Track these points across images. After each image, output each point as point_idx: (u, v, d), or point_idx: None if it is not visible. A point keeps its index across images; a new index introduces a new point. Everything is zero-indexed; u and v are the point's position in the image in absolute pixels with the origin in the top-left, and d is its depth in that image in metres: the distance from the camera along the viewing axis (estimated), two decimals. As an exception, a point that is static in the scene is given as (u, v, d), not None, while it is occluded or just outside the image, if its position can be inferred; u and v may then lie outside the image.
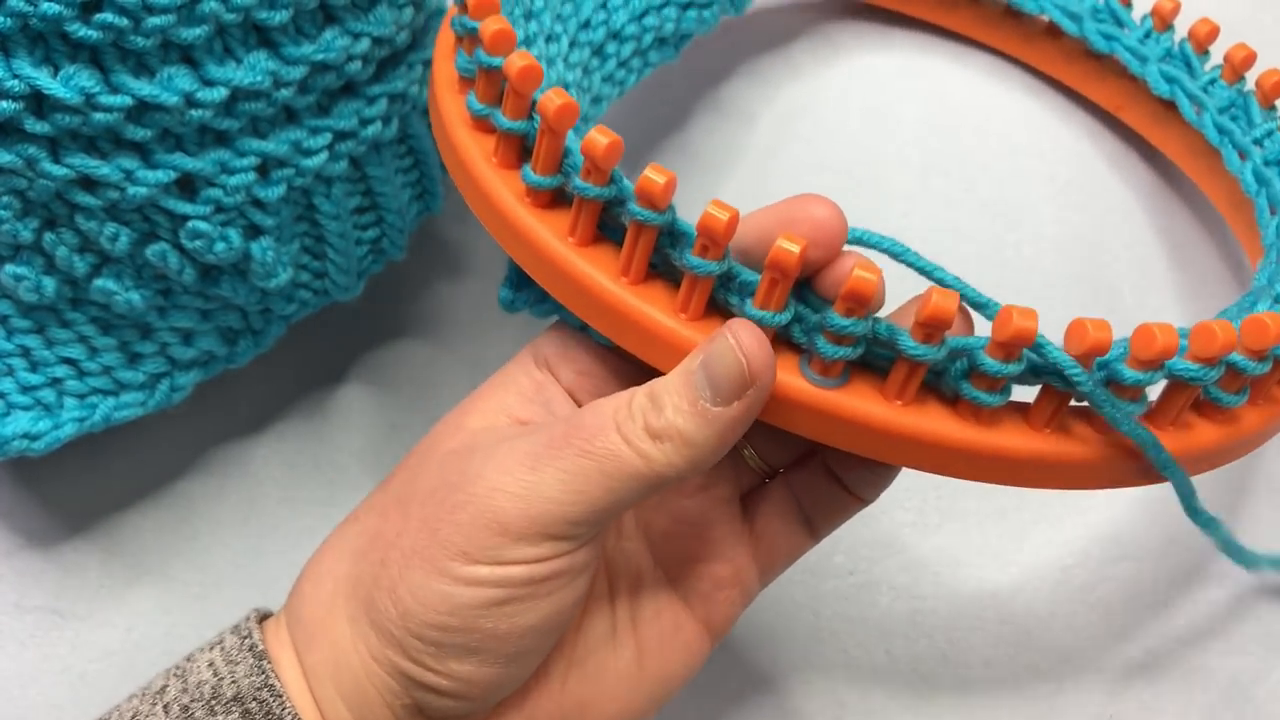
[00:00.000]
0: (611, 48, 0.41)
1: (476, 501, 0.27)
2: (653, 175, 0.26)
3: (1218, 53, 0.47)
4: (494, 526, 0.27)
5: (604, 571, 0.32)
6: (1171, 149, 0.48)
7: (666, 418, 0.26)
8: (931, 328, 0.25)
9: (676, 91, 0.50)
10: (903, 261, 0.30)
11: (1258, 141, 0.44)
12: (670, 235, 0.27)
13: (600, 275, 0.28)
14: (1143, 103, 0.49)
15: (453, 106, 0.32)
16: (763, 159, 0.50)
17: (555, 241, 0.28)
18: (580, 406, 0.30)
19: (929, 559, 0.43)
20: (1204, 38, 0.47)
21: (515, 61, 0.28)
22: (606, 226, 0.29)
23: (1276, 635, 0.42)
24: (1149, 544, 0.43)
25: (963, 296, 0.29)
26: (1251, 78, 0.46)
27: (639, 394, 0.27)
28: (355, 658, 0.28)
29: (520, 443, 0.27)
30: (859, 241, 0.30)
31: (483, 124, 0.31)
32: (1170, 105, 0.47)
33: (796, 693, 0.41)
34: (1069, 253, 0.48)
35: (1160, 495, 0.44)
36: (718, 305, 0.28)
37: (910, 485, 0.44)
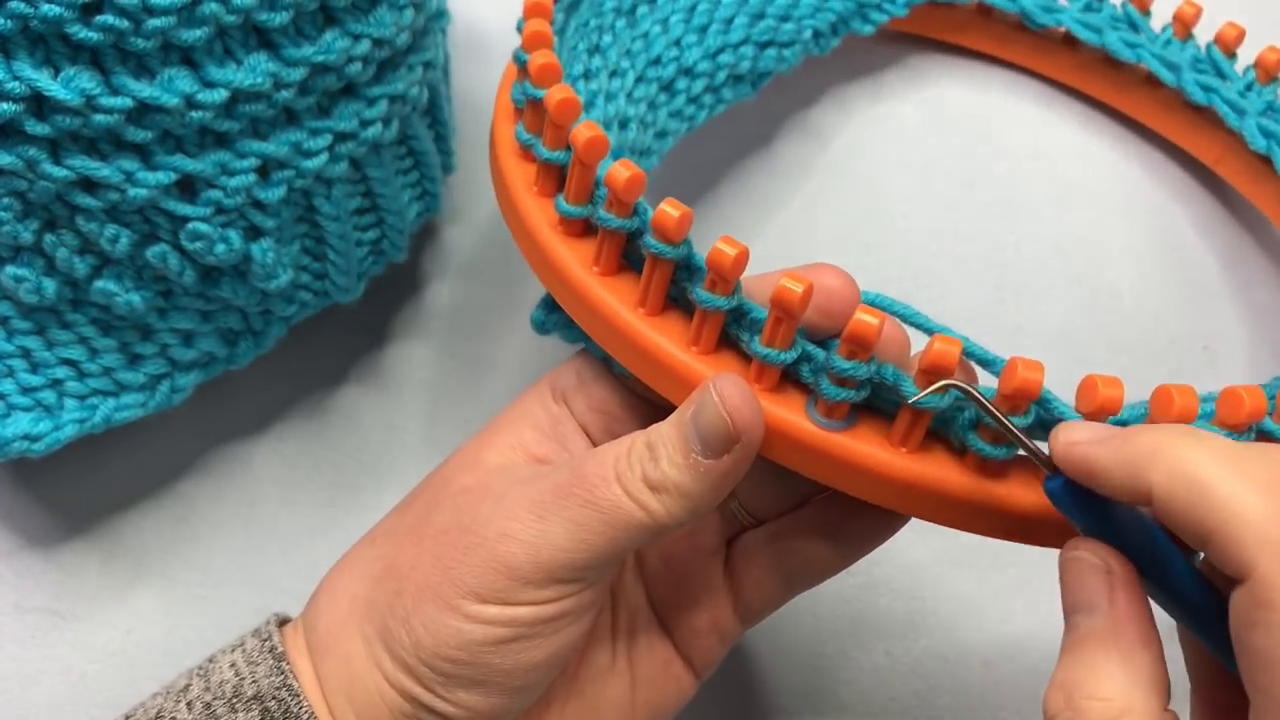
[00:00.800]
0: (682, 84, 0.41)
1: (487, 546, 0.28)
2: (669, 210, 0.26)
3: None
4: (504, 570, 0.28)
5: (609, 604, 0.33)
6: (1268, 206, 0.46)
7: (662, 470, 0.27)
8: (934, 375, 0.25)
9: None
10: (913, 324, 0.30)
11: None
12: (687, 269, 0.27)
13: (618, 304, 0.28)
14: (1241, 156, 0.47)
15: (505, 135, 0.33)
16: (759, 161, 0.50)
17: (579, 269, 0.29)
18: (594, 441, 0.31)
19: (927, 561, 0.43)
20: None
21: (554, 94, 0.29)
22: (633, 258, 0.29)
23: (1275, 636, 0.42)
24: (1148, 544, 0.43)
25: (970, 354, 0.29)
26: None
27: (637, 442, 0.28)
28: (369, 676, 0.29)
29: (529, 490, 0.28)
30: (870, 305, 0.30)
31: (528, 153, 0.32)
32: (1268, 160, 0.46)
33: (796, 693, 0.41)
34: (1069, 253, 0.48)
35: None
36: (730, 340, 0.28)
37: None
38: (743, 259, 0.26)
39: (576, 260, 0.29)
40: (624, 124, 0.38)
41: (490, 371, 0.45)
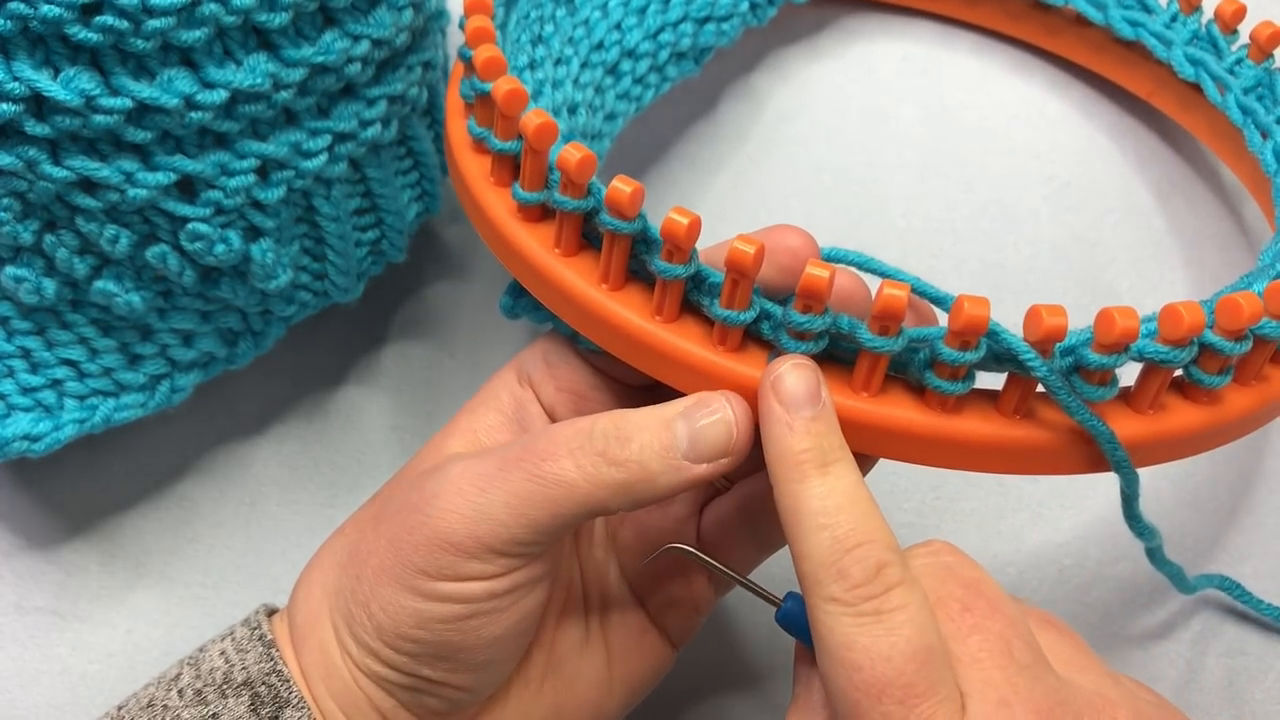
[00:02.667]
0: (626, 66, 0.42)
1: (431, 523, 0.28)
2: (620, 186, 0.27)
3: (1247, 33, 0.46)
4: (446, 546, 0.28)
5: (578, 579, 0.33)
6: (1201, 133, 0.48)
7: (632, 453, 0.27)
8: (886, 319, 0.26)
9: (689, 82, 0.50)
10: (869, 270, 0.31)
11: None
12: (644, 242, 0.28)
13: (581, 282, 0.29)
14: (1172, 88, 0.49)
15: (457, 130, 0.34)
16: (760, 158, 0.50)
17: (541, 252, 0.30)
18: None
19: (927, 559, 0.43)
20: (1230, 18, 0.46)
21: (501, 86, 0.30)
22: (592, 237, 0.30)
23: (1273, 636, 0.42)
24: (1147, 544, 0.43)
25: (923, 294, 0.30)
26: (1279, 56, 0.45)
27: (601, 421, 0.28)
28: (342, 662, 0.30)
29: (476, 463, 0.29)
30: (830, 259, 0.32)
31: (481, 146, 0.33)
32: (1198, 88, 0.47)
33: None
34: (1067, 253, 0.48)
35: (1156, 495, 0.44)
36: (691, 306, 0.29)
37: (908, 486, 0.44)
38: (696, 227, 0.27)
39: (538, 244, 0.30)
40: (573, 110, 0.38)
41: (490, 371, 0.45)
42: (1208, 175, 0.51)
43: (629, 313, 0.29)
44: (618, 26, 0.42)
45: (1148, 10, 0.49)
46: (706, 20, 0.44)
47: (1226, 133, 0.46)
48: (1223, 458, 0.45)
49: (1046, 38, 0.52)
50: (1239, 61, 0.46)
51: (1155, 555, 0.34)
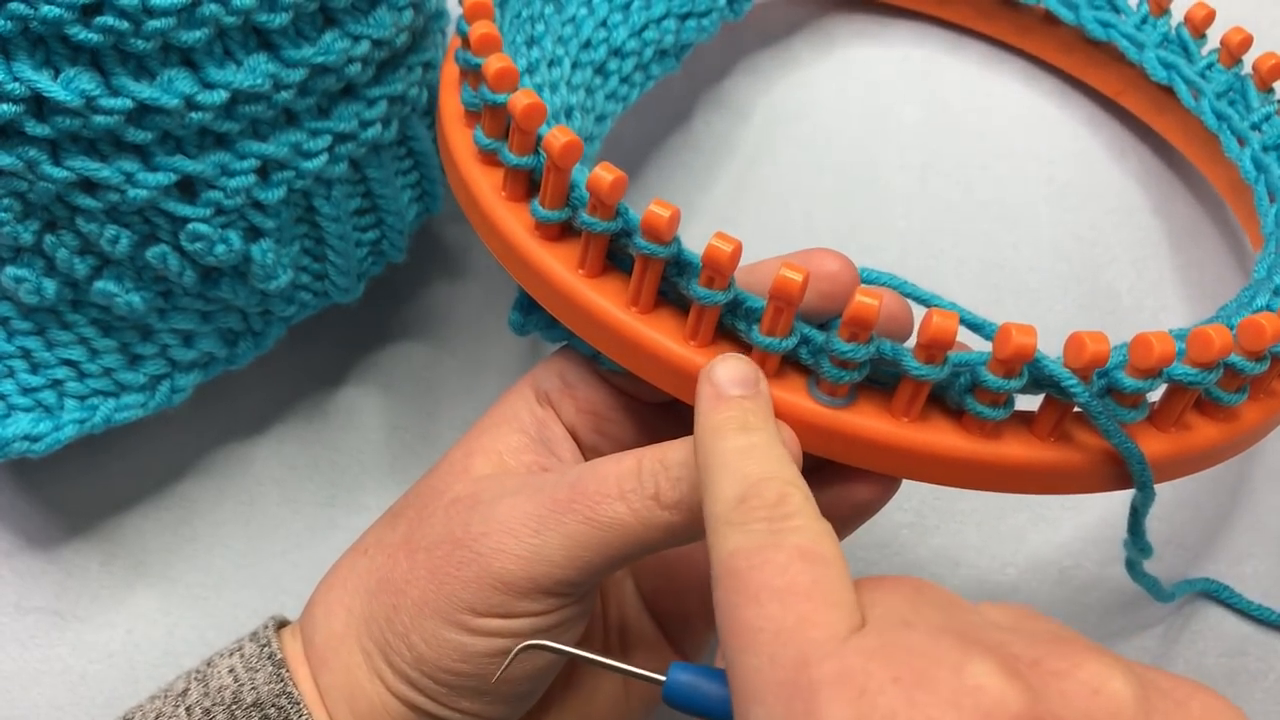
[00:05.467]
0: (613, 65, 0.42)
1: (481, 560, 0.28)
2: (658, 210, 0.27)
3: (1215, 37, 0.47)
4: (499, 585, 0.28)
5: (596, 597, 0.33)
6: (1172, 135, 0.48)
7: (683, 493, 0.27)
8: (934, 348, 0.26)
9: (676, 89, 0.50)
10: (904, 294, 0.31)
11: (1255, 126, 0.44)
12: (677, 265, 0.28)
13: (611, 306, 0.29)
14: (1142, 88, 0.49)
15: (461, 141, 0.33)
16: (759, 160, 0.50)
17: (566, 274, 0.29)
18: (581, 442, 0.32)
19: (927, 560, 0.43)
20: (1200, 22, 0.47)
21: (520, 100, 0.29)
22: (614, 255, 0.30)
23: (1274, 636, 0.42)
24: (1147, 545, 0.43)
25: (966, 323, 0.30)
26: (1249, 61, 0.45)
27: (648, 460, 0.28)
28: (371, 687, 0.29)
29: (523, 502, 0.28)
30: (865, 281, 0.31)
31: (490, 158, 0.32)
32: (1169, 91, 0.47)
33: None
34: (1067, 253, 0.48)
35: (1156, 495, 0.44)
36: (725, 330, 0.28)
37: (908, 486, 0.43)
38: (738, 253, 0.27)
39: (561, 265, 0.29)
40: (569, 114, 0.38)
41: (490, 371, 0.45)
42: (1204, 177, 0.51)
43: (664, 338, 0.28)
44: (604, 23, 0.42)
45: (1117, 11, 0.49)
46: (688, 16, 0.44)
47: (1200, 137, 0.46)
48: (1223, 458, 0.45)
49: (1016, 36, 0.52)
50: (1210, 66, 0.46)
51: (1134, 568, 0.35)
